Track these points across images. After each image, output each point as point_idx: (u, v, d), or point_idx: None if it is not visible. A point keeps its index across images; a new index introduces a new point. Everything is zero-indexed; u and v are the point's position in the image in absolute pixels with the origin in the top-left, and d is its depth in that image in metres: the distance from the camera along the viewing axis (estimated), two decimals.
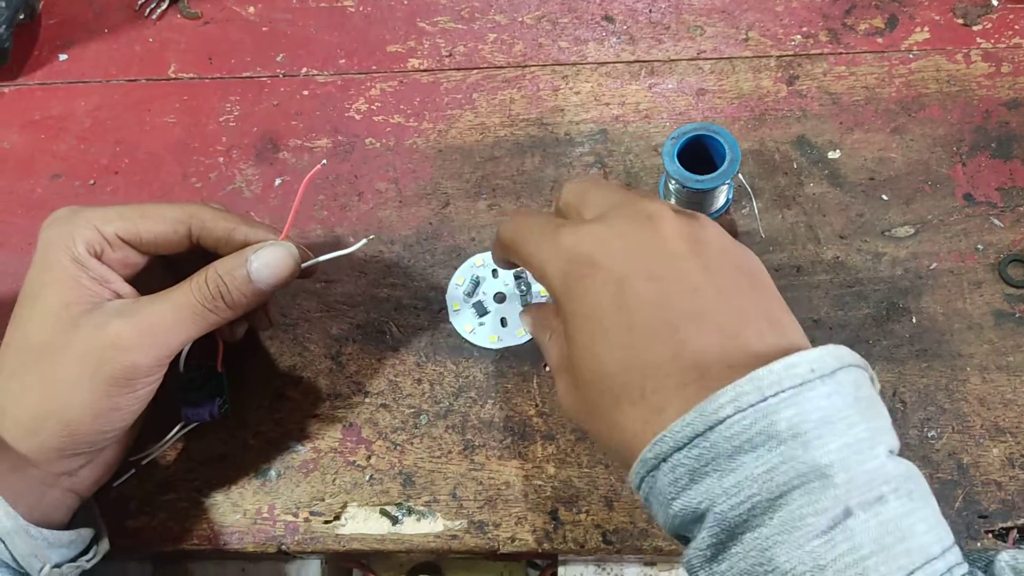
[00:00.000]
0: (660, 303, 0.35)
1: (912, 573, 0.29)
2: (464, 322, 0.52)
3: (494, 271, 0.54)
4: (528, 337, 0.51)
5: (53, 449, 0.41)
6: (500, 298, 0.53)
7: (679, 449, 0.32)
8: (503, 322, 0.52)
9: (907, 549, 0.30)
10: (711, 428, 0.31)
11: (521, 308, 0.52)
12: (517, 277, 0.52)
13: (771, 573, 0.30)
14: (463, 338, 0.52)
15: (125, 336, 0.41)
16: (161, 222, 0.44)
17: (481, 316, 0.52)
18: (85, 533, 0.44)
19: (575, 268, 0.37)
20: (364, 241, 0.47)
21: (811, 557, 0.29)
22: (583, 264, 0.37)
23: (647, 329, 0.35)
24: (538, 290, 0.53)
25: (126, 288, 0.44)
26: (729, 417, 0.31)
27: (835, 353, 0.33)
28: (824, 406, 0.31)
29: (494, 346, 0.52)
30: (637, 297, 0.35)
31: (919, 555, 0.30)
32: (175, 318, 0.42)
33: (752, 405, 0.31)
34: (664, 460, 0.32)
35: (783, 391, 0.31)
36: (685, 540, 0.34)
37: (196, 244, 0.45)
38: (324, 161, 0.47)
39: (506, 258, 0.45)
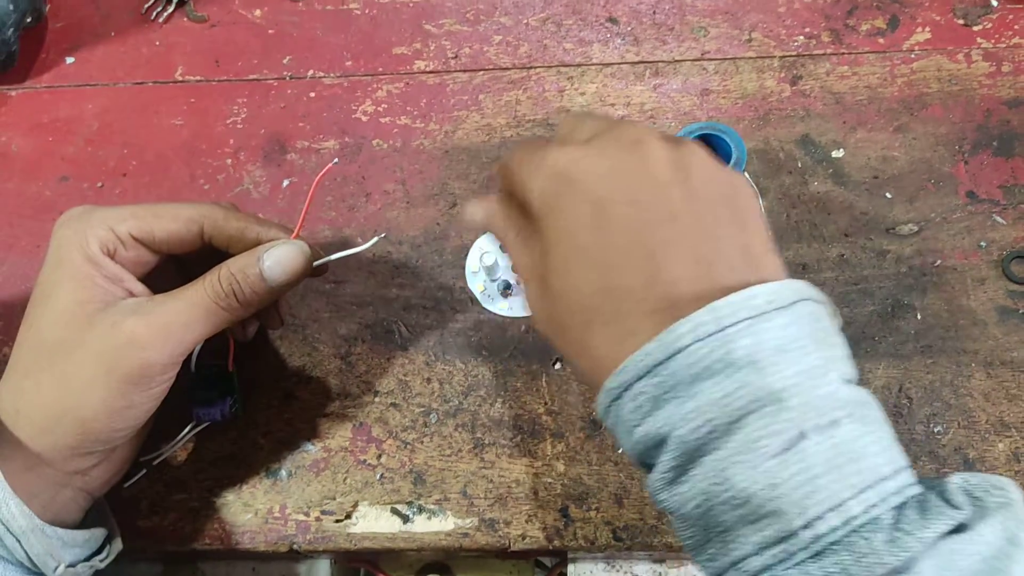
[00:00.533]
0: (638, 228, 0.35)
1: (862, 492, 0.30)
2: (498, 303, 0.53)
3: (501, 247, 0.54)
4: None
5: (67, 447, 0.41)
6: None
7: (641, 377, 0.33)
8: None
9: (858, 469, 0.31)
10: (671, 357, 0.32)
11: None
12: None
13: (728, 492, 0.31)
14: (504, 317, 0.52)
15: (140, 334, 0.41)
16: (174, 221, 0.45)
17: (506, 290, 0.53)
18: (98, 533, 0.44)
19: (555, 184, 0.37)
20: (375, 239, 0.47)
21: (765, 476, 0.30)
22: (563, 181, 0.37)
23: (623, 252, 0.35)
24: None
25: (139, 287, 0.44)
26: (688, 346, 0.32)
27: (793, 287, 0.33)
28: (780, 336, 0.32)
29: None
30: (616, 219, 0.36)
31: (870, 474, 0.31)
32: (189, 316, 0.42)
33: (711, 335, 0.32)
34: (627, 388, 0.33)
35: (740, 321, 0.32)
36: (648, 468, 0.35)
37: (208, 243, 0.46)
38: (336, 160, 0.47)
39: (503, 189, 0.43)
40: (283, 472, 0.50)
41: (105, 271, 0.43)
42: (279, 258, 0.44)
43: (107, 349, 0.41)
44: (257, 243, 0.45)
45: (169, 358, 0.42)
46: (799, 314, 0.33)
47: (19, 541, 0.39)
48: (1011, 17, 0.58)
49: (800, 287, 0.34)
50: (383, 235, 0.49)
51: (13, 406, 0.41)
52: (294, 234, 0.46)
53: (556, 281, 0.37)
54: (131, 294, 0.43)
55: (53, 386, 0.41)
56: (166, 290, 0.44)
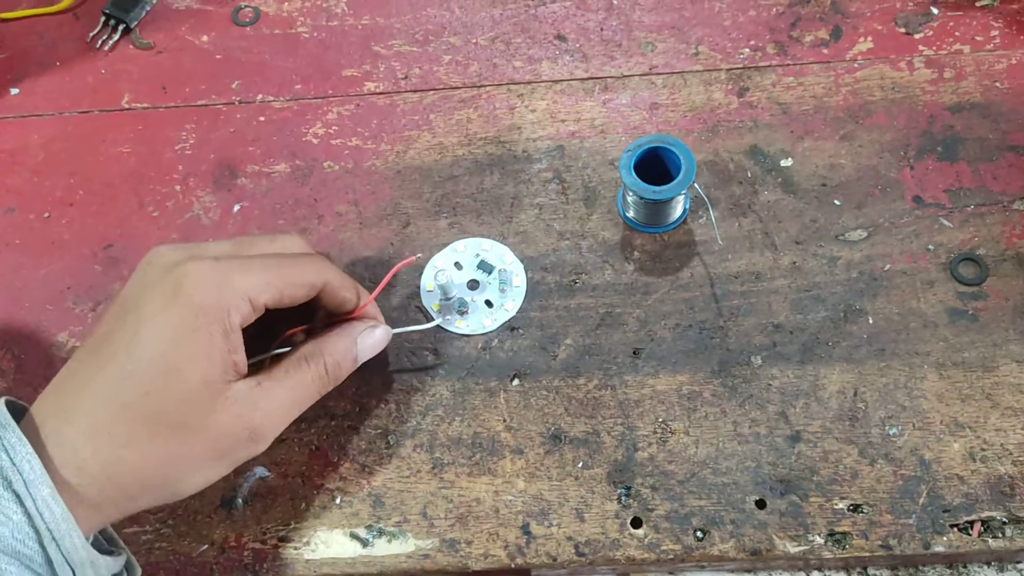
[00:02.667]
0: None
1: None
2: (454, 321, 0.53)
3: (456, 263, 0.55)
4: (515, 311, 0.53)
5: (144, 508, 0.42)
6: (473, 285, 0.54)
7: None
8: (488, 303, 0.53)
9: None
10: None
11: (496, 284, 0.54)
12: (479, 267, 0.55)
13: None
14: (460, 335, 0.53)
15: (262, 429, 0.42)
16: (301, 289, 0.44)
17: (461, 308, 0.53)
18: (122, 559, 0.43)
19: None
20: (437, 321, 0.52)
21: None
22: None
23: None
24: (501, 269, 0.54)
25: (242, 358, 0.42)
26: None
27: None
28: None
29: (491, 328, 0.53)
30: None
31: None
32: (296, 406, 0.44)
33: None
34: None
35: None
36: None
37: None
38: (419, 255, 0.53)
39: None
40: (239, 500, 0.49)
41: (231, 344, 0.41)
42: (370, 343, 0.48)
43: (226, 437, 0.41)
44: (347, 309, 0.47)
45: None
46: None
47: (73, 571, 0.38)
48: (951, 24, 0.60)
49: None
50: (438, 322, 0.53)
51: (103, 471, 0.39)
52: (372, 297, 0.48)
53: None
54: (235, 364, 0.42)
55: (159, 462, 0.40)
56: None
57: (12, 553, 0.37)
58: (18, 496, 0.37)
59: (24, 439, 0.38)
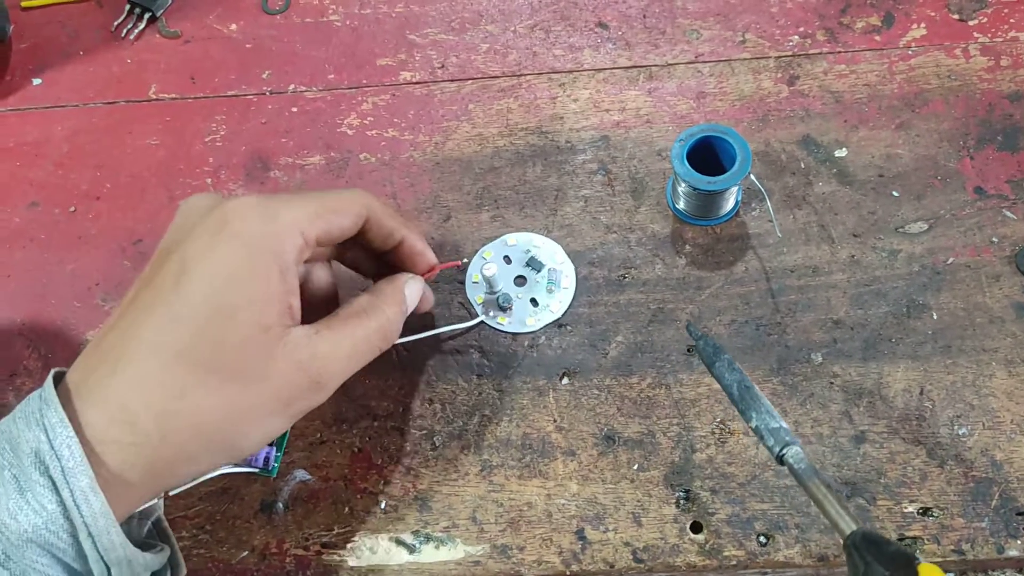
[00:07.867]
0: None
1: None
2: (497, 317, 0.51)
3: (505, 257, 0.53)
4: (560, 313, 0.51)
5: (199, 472, 0.40)
6: (521, 282, 0.52)
7: None
8: (534, 302, 0.51)
9: None
10: None
11: (544, 284, 0.52)
12: (528, 263, 0.53)
13: None
14: (505, 332, 0.51)
15: (325, 379, 0.39)
16: (347, 217, 0.41)
17: (506, 304, 0.51)
18: (164, 555, 0.40)
19: None
20: (481, 317, 0.51)
21: None
22: None
23: None
24: (551, 268, 0.52)
25: (298, 302, 0.39)
26: None
27: None
28: None
29: (534, 328, 0.51)
30: None
31: None
32: (356, 358, 0.41)
33: None
34: None
35: None
36: None
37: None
38: (465, 260, 0.53)
39: None
40: (280, 505, 0.47)
41: (289, 284, 0.38)
42: (413, 293, 0.45)
43: (288, 386, 0.38)
44: (398, 244, 0.45)
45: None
46: None
47: (108, 570, 0.35)
48: (1006, 11, 0.58)
49: None
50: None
51: (158, 428, 0.36)
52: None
53: None
54: (291, 308, 0.38)
55: (220, 416, 0.37)
56: None
57: (44, 544, 0.34)
58: (54, 484, 0.34)
59: (66, 421, 0.34)
